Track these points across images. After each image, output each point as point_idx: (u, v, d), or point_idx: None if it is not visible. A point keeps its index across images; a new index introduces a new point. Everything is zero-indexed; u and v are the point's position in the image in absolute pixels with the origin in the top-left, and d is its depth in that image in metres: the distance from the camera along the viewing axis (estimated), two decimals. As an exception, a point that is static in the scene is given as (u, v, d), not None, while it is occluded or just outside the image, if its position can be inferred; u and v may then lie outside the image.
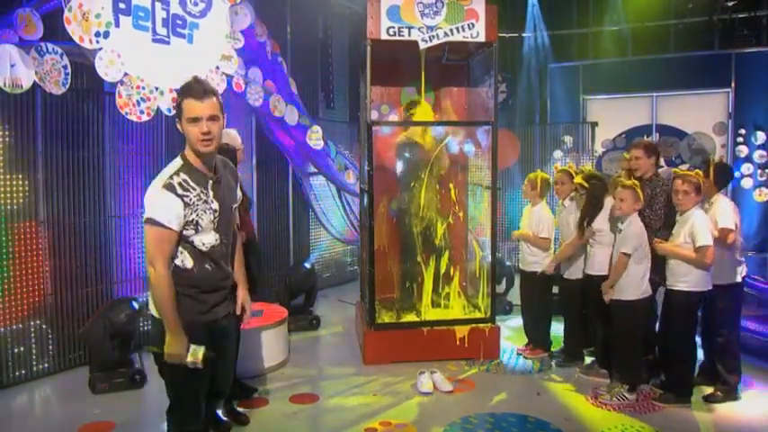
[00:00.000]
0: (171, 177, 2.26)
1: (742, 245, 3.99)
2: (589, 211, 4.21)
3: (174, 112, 2.42)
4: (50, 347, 4.29)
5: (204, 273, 2.37)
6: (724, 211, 3.76)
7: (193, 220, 2.30)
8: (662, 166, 4.33)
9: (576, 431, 3.51)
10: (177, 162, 2.33)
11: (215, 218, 2.37)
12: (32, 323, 4.18)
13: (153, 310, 2.37)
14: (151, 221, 2.22)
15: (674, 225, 3.88)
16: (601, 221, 4.16)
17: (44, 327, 4.24)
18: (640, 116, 8.47)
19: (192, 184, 2.29)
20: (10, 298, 4.05)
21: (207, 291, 2.40)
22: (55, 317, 4.30)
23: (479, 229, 5.41)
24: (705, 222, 3.66)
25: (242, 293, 2.69)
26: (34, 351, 4.20)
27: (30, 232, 4.16)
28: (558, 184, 4.61)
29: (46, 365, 4.26)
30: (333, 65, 7.40)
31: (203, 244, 2.35)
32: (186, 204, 2.27)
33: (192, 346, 2.31)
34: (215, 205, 2.37)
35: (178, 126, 2.35)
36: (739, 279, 3.86)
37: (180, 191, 2.26)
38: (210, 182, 2.37)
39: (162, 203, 2.23)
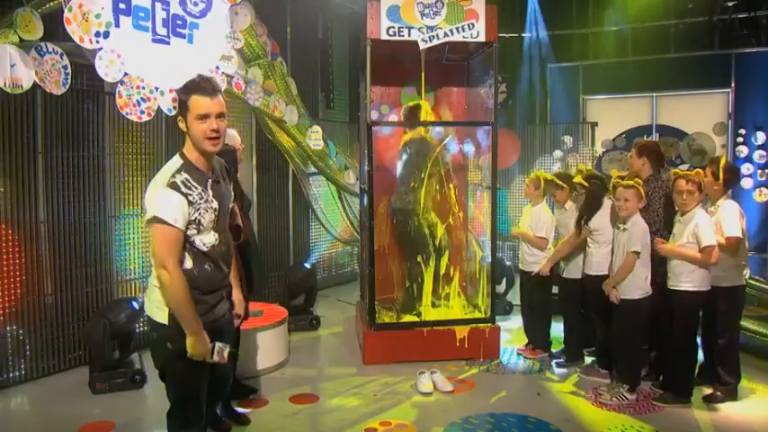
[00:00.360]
0: (173, 176, 2.25)
1: (746, 248, 3.98)
2: (587, 209, 4.22)
3: (175, 110, 2.40)
4: (50, 347, 4.29)
5: (204, 274, 2.36)
6: (729, 216, 3.72)
7: (196, 219, 2.28)
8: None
9: (576, 431, 3.52)
10: (177, 161, 2.32)
11: (215, 217, 2.37)
12: (32, 323, 4.18)
13: (155, 315, 2.33)
14: (158, 220, 2.19)
15: (672, 225, 3.87)
16: (599, 221, 4.17)
17: (44, 327, 4.24)
18: (640, 116, 8.46)
19: (193, 182, 2.28)
20: (10, 297, 4.05)
21: (207, 292, 2.39)
22: (55, 317, 4.30)
23: (475, 225, 5.43)
24: (709, 222, 3.65)
25: (237, 295, 2.68)
26: (33, 351, 4.20)
27: (29, 232, 4.16)
28: (553, 195, 4.66)
29: (45, 365, 4.26)
30: (333, 65, 7.41)
31: (204, 244, 2.34)
32: (190, 203, 2.25)
33: (217, 345, 2.33)
34: (215, 204, 2.36)
35: (181, 124, 2.34)
36: (743, 282, 3.86)
37: (184, 189, 2.24)
38: (210, 181, 2.37)
39: (168, 202, 2.21)
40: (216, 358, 2.34)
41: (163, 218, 2.19)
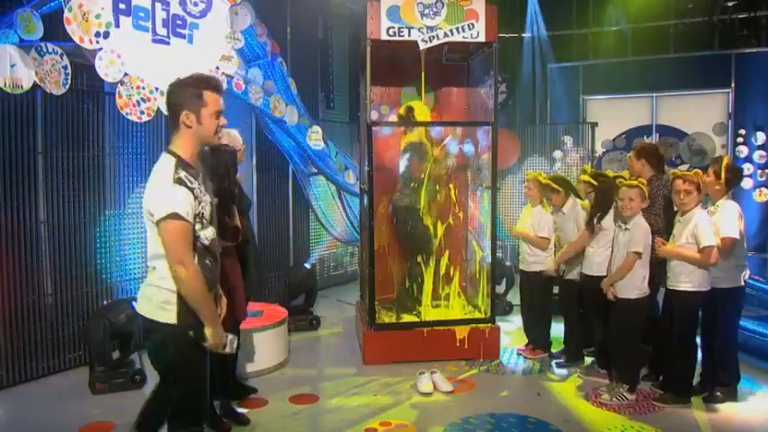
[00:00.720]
0: (176, 172, 2.25)
1: (745, 249, 3.97)
2: (599, 208, 4.17)
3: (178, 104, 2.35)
4: (50, 347, 4.29)
5: (206, 269, 2.36)
6: (727, 217, 3.71)
7: (200, 212, 2.31)
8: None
9: (576, 431, 3.52)
10: (170, 159, 2.30)
11: (211, 211, 2.40)
12: (32, 323, 4.18)
13: (159, 316, 2.31)
14: (175, 216, 2.19)
15: (672, 226, 3.87)
16: (607, 221, 4.15)
17: (44, 327, 4.24)
18: (640, 116, 8.47)
19: (190, 178, 2.31)
20: (9, 297, 4.05)
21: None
22: (55, 317, 4.30)
23: (472, 225, 5.43)
24: (708, 223, 3.65)
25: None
26: (33, 351, 4.20)
27: (29, 232, 4.16)
28: (549, 199, 4.64)
29: (45, 365, 4.26)
30: (333, 65, 7.41)
31: (206, 238, 2.37)
32: (195, 197, 2.28)
33: (229, 337, 2.42)
34: (208, 198, 2.40)
35: (188, 118, 2.30)
36: (743, 283, 3.85)
37: (189, 184, 2.26)
38: (200, 176, 2.40)
39: (179, 197, 2.21)
40: (228, 350, 2.42)
41: (180, 213, 2.19)
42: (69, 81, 3.69)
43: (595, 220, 4.16)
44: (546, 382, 4.29)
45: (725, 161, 3.81)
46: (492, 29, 4.58)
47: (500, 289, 5.94)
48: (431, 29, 4.49)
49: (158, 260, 2.28)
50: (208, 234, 2.37)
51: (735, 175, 3.88)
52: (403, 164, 5.11)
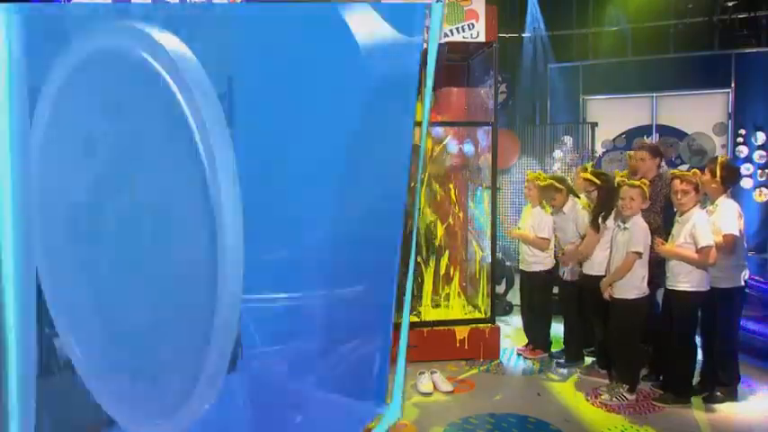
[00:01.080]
0: None
1: (745, 249, 3.98)
2: (603, 207, 4.16)
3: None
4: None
5: None
6: (727, 216, 3.70)
7: None
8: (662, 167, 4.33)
9: (576, 431, 3.52)
10: None
11: None
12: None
13: None
14: None
15: (671, 225, 3.87)
16: (608, 220, 4.14)
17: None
18: (640, 116, 8.47)
19: None
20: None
21: None
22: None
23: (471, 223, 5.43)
24: (707, 223, 3.65)
25: None
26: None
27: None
28: (552, 199, 4.62)
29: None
30: (333, 65, 7.39)
31: None
32: None
33: None
34: None
35: None
36: (742, 283, 3.84)
37: None
38: None
39: None
40: None
41: None
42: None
43: (600, 219, 4.16)
44: (546, 382, 4.29)
45: (720, 159, 3.82)
46: (492, 29, 4.58)
47: (500, 289, 5.94)
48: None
49: None
50: None
51: (731, 173, 3.87)
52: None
